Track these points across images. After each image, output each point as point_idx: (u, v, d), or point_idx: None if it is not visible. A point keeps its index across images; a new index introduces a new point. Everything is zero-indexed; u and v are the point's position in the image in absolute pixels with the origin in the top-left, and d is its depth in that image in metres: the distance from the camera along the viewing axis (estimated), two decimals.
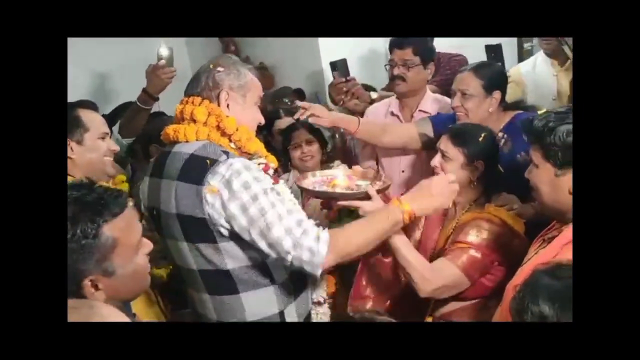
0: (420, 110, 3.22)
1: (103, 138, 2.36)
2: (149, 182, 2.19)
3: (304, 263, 1.93)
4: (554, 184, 1.78)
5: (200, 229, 2.01)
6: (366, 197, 2.21)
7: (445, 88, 3.38)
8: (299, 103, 2.87)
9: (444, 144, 2.46)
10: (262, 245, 1.95)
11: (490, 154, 2.47)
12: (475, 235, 2.28)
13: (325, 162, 3.36)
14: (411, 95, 3.23)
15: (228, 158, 1.98)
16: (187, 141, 2.08)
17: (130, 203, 1.58)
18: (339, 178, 2.50)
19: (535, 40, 4.00)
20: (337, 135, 3.84)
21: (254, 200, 1.92)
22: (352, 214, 2.99)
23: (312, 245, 1.91)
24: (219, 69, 2.13)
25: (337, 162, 3.37)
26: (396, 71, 3.14)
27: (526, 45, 4.46)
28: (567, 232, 1.75)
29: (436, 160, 2.47)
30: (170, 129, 2.13)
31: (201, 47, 5.06)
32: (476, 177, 2.44)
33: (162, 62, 2.98)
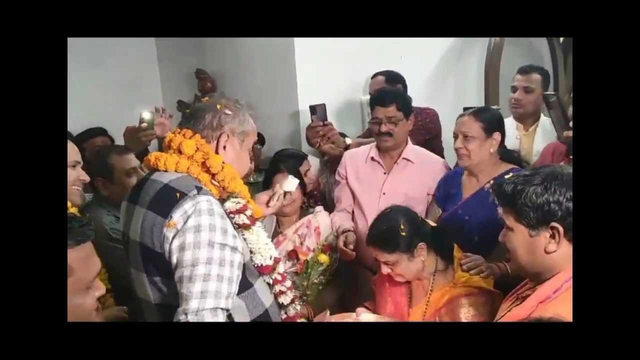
0: (403, 158, 3.31)
1: (74, 166, 2.32)
2: (125, 206, 2.15)
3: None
4: (529, 245, 1.80)
5: (158, 262, 1.96)
6: None
7: (416, 136, 3.54)
8: None
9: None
10: (177, 287, 1.90)
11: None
12: (465, 316, 2.33)
13: (305, 208, 3.35)
14: (396, 147, 3.30)
15: (199, 194, 1.95)
16: (166, 170, 2.06)
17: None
18: None
19: (503, 103, 4.16)
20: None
21: (195, 247, 1.87)
22: (319, 267, 3.01)
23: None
24: (227, 111, 2.12)
25: (318, 207, 3.36)
26: (384, 128, 3.21)
27: (493, 107, 4.58)
28: (542, 290, 1.76)
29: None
30: (152, 156, 2.11)
31: (176, 84, 5.12)
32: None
33: (144, 125, 3.04)
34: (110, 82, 4.67)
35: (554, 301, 1.70)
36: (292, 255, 3.06)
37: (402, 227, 2.42)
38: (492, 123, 2.86)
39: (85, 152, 3.69)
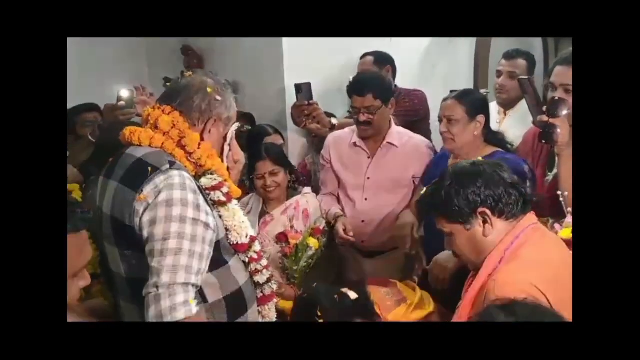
0: (388, 143, 3.29)
1: None
2: (101, 181, 2.13)
3: (151, 308, 1.83)
4: (470, 239, 1.90)
5: (129, 236, 1.95)
6: None
7: (403, 118, 3.54)
8: None
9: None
10: (148, 261, 1.88)
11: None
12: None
13: (292, 188, 3.33)
14: (377, 134, 3.28)
15: (171, 168, 1.94)
16: (140, 145, 2.05)
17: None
18: None
19: (492, 87, 4.15)
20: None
21: (166, 220, 1.86)
22: (308, 251, 3.02)
23: (177, 303, 1.82)
24: (217, 97, 2.09)
25: (306, 188, 3.36)
26: (362, 118, 3.18)
27: (482, 92, 4.57)
28: (489, 263, 1.87)
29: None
30: (127, 130, 2.10)
31: (162, 61, 5.05)
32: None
33: (122, 103, 3.01)
34: (96, 59, 4.59)
35: (501, 269, 1.82)
36: (282, 238, 3.07)
37: (319, 314, 2.26)
38: (475, 106, 2.87)
39: (76, 126, 3.67)
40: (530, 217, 1.93)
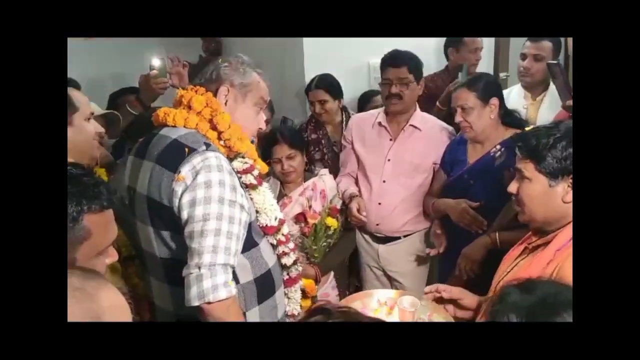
0: (410, 125, 3.29)
1: (88, 119, 2.24)
2: (132, 161, 2.17)
3: (193, 288, 1.85)
4: (547, 195, 1.87)
5: (165, 216, 1.99)
6: None
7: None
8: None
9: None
10: (187, 242, 1.91)
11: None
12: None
13: (308, 170, 3.37)
14: (404, 112, 3.28)
15: (207, 150, 1.96)
16: (174, 126, 2.07)
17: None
18: None
19: (512, 70, 4.10)
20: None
21: (205, 202, 1.89)
22: (327, 230, 3.06)
23: (218, 283, 1.85)
24: (225, 64, 2.13)
25: (323, 170, 3.37)
26: (394, 89, 3.18)
27: (502, 75, 4.54)
28: (559, 239, 1.85)
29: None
30: (161, 111, 2.12)
31: (180, 44, 5.02)
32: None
33: (154, 72, 3.00)
34: (113, 43, 4.58)
35: (569, 248, 1.79)
36: (300, 218, 3.10)
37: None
38: (486, 90, 2.86)
39: (119, 108, 3.70)
40: None
